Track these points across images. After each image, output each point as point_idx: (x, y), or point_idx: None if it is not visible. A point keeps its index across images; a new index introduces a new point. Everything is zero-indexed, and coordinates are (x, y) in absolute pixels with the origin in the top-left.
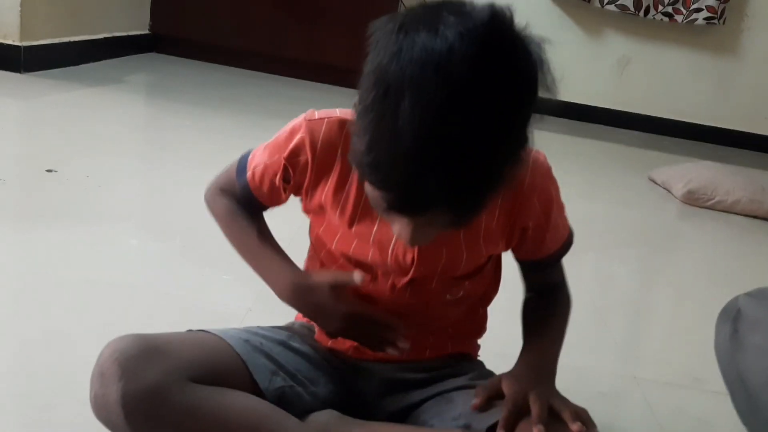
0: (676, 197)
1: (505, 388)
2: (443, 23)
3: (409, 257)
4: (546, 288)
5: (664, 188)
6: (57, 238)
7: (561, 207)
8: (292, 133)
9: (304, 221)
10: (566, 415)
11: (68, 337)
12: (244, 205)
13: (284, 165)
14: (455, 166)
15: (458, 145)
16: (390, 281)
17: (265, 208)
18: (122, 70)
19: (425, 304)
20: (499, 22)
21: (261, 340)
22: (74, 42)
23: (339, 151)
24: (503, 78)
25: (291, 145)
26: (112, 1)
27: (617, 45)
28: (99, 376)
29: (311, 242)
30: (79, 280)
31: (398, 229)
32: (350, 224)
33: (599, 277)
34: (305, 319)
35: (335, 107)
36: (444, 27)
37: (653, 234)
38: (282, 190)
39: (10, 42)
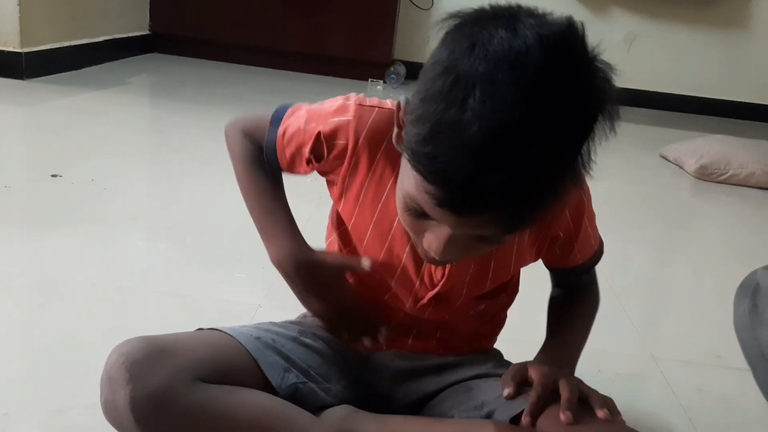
0: (688, 173)
1: (534, 373)
2: (522, 23)
3: (439, 273)
4: (574, 287)
5: (677, 165)
6: (64, 242)
7: (592, 216)
8: (340, 110)
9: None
10: (593, 402)
11: (79, 341)
12: (264, 159)
13: (318, 138)
14: (520, 167)
15: (526, 146)
16: (412, 295)
17: (281, 171)
18: (124, 72)
19: (445, 320)
20: (576, 36)
21: (273, 337)
22: (75, 46)
23: (384, 145)
24: (577, 90)
25: (333, 123)
26: (111, 3)
27: (623, 22)
28: (107, 382)
29: (336, 236)
30: (88, 283)
31: (430, 239)
32: (389, 226)
33: (614, 257)
34: None
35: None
36: (523, 27)
37: (667, 211)
38: (305, 162)
39: (10, 49)
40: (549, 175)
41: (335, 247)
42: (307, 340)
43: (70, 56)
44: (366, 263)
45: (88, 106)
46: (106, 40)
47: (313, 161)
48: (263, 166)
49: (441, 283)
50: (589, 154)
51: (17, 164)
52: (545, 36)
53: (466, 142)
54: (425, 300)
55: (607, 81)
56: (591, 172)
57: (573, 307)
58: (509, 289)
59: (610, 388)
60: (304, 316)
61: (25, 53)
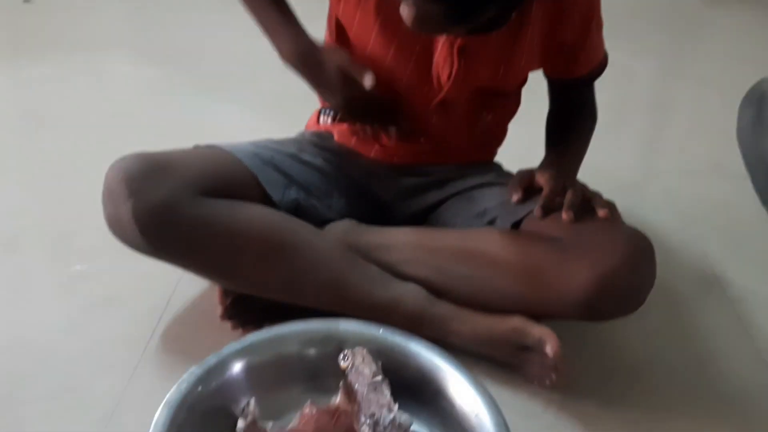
0: None
1: (541, 178)
2: None
3: (446, 73)
4: (573, 102)
5: None
6: (47, 70)
7: (600, 25)
8: None
9: None
10: (596, 203)
11: (76, 167)
12: None
13: None
14: None
15: None
16: (420, 99)
17: None
18: None
19: (451, 130)
20: None
21: (272, 154)
22: None
23: None
24: None
25: None
26: None
27: None
28: (108, 197)
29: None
30: (76, 111)
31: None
32: (394, 27)
33: (617, 68)
34: (315, 127)
35: None
36: None
37: (674, 22)
38: None
39: None
40: None
41: None
42: (307, 158)
43: None
44: (368, 80)
45: None
46: None
47: None
48: None
49: (449, 85)
50: None
51: None
52: None
53: None
54: (433, 104)
55: None
56: None
57: (572, 120)
58: (512, 99)
59: (609, 199)
60: (302, 134)
61: None
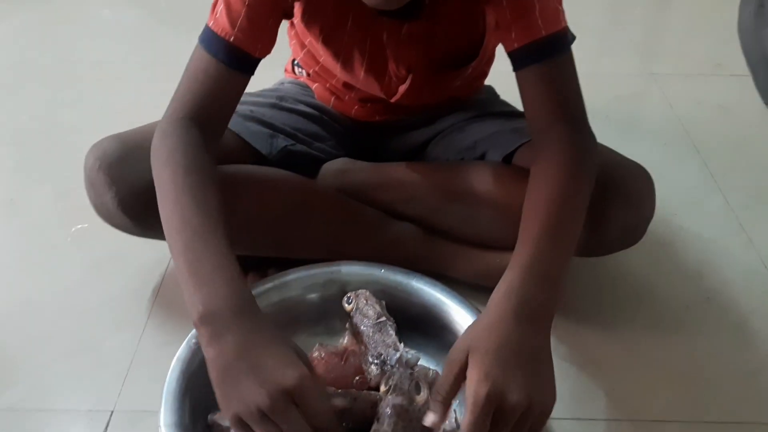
0: None
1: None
2: None
3: (403, 88)
4: (550, 129)
5: None
6: (26, 21)
7: None
8: None
9: None
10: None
11: (68, 122)
12: (222, 90)
13: None
14: None
15: None
16: (383, 91)
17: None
18: None
19: (420, 102)
20: None
21: (250, 108)
22: None
23: None
24: None
25: None
26: None
27: None
28: (91, 188)
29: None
30: (61, 62)
31: None
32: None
33: None
34: (294, 76)
35: None
36: None
37: None
38: (281, 13)
39: None
40: None
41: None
42: (288, 105)
43: None
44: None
45: None
46: None
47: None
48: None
49: (409, 80)
50: None
51: None
52: None
53: None
54: (398, 95)
55: None
56: None
57: (548, 184)
58: (481, 56)
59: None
60: (281, 83)
61: None
